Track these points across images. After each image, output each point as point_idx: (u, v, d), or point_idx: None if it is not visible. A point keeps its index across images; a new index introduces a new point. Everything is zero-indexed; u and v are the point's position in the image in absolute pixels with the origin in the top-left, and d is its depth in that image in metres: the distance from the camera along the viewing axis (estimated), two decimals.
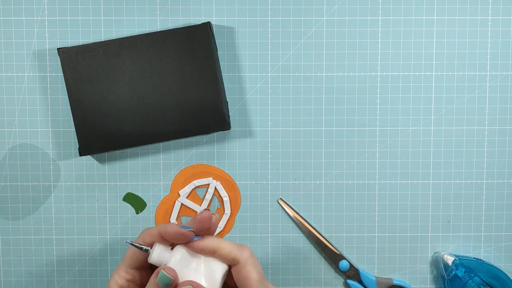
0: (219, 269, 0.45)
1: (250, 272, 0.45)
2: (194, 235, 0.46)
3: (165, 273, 0.43)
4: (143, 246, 0.45)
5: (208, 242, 0.45)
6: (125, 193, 0.57)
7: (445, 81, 0.57)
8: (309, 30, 0.56)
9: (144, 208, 0.57)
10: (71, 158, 0.57)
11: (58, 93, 0.56)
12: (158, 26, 0.56)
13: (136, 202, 0.57)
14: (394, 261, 0.58)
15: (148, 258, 0.44)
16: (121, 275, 0.47)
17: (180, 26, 0.55)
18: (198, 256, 0.45)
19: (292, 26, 0.56)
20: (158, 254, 0.44)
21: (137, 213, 0.57)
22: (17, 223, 0.57)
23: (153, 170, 0.57)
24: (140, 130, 0.54)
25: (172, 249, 0.45)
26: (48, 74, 0.56)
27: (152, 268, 0.47)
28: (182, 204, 0.57)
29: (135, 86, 0.54)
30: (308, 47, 0.56)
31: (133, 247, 0.45)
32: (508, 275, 0.55)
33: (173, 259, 0.44)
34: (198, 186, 0.57)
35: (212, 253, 0.45)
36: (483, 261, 0.56)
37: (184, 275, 0.44)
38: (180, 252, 0.45)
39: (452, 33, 0.56)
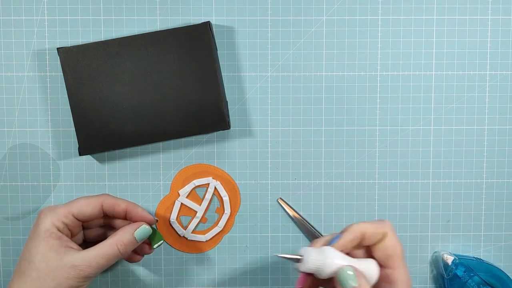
0: (374, 267, 0.43)
1: (397, 245, 0.43)
2: (155, 223, 0.51)
3: (350, 272, 0.41)
4: (294, 256, 0.43)
5: (350, 234, 0.43)
6: (125, 194, 0.57)
7: (445, 80, 0.57)
8: (309, 30, 0.56)
9: (161, 241, 0.53)
10: (71, 158, 0.57)
11: (58, 93, 0.56)
12: (158, 26, 0.56)
13: (154, 237, 0.53)
14: None
15: (300, 266, 0.42)
16: (59, 218, 0.48)
17: (180, 26, 0.55)
18: (346, 257, 0.43)
19: (292, 25, 0.56)
20: (314, 260, 0.41)
21: (153, 247, 0.53)
22: (17, 223, 0.57)
23: (153, 170, 0.57)
24: (140, 130, 0.54)
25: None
26: (48, 73, 0.56)
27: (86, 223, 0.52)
28: (182, 203, 0.57)
29: (135, 86, 0.54)
30: (308, 46, 0.56)
31: (87, 200, 0.50)
32: (508, 274, 0.55)
33: (335, 261, 0.41)
34: (198, 186, 0.57)
35: (359, 241, 0.44)
36: (482, 260, 0.56)
37: None
38: (333, 253, 0.42)
39: (452, 32, 0.56)
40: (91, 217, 0.50)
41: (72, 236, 0.51)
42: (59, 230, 0.48)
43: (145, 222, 0.51)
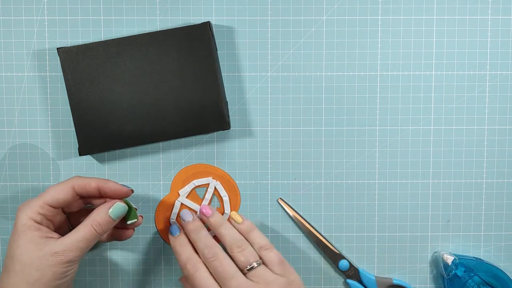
0: None
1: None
2: (131, 193, 0.51)
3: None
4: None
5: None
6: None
7: (444, 80, 0.57)
8: (308, 30, 0.56)
9: (135, 219, 0.52)
10: (71, 158, 0.57)
11: (58, 93, 0.56)
12: (157, 26, 0.56)
13: (130, 213, 0.52)
14: (394, 260, 0.58)
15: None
16: (35, 210, 0.48)
17: (180, 26, 0.55)
18: None
19: (291, 25, 0.56)
20: None
21: (127, 223, 0.52)
22: None
23: (153, 170, 0.57)
24: (140, 130, 0.54)
25: None
26: (47, 74, 0.56)
27: (66, 211, 0.52)
28: (182, 203, 0.57)
29: (135, 86, 0.54)
30: (307, 46, 0.56)
31: (58, 186, 0.49)
32: (508, 274, 0.55)
33: None
34: (198, 186, 0.57)
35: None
36: (482, 260, 0.56)
37: None
38: None
39: (452, 32, 0.56)
40: (66, 202, 0.50)
41: (55, 226, 0.50)
42: (36, 222, 0.48)
43: (121, 193, 0.51)
